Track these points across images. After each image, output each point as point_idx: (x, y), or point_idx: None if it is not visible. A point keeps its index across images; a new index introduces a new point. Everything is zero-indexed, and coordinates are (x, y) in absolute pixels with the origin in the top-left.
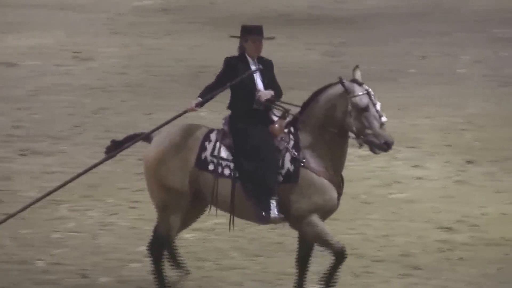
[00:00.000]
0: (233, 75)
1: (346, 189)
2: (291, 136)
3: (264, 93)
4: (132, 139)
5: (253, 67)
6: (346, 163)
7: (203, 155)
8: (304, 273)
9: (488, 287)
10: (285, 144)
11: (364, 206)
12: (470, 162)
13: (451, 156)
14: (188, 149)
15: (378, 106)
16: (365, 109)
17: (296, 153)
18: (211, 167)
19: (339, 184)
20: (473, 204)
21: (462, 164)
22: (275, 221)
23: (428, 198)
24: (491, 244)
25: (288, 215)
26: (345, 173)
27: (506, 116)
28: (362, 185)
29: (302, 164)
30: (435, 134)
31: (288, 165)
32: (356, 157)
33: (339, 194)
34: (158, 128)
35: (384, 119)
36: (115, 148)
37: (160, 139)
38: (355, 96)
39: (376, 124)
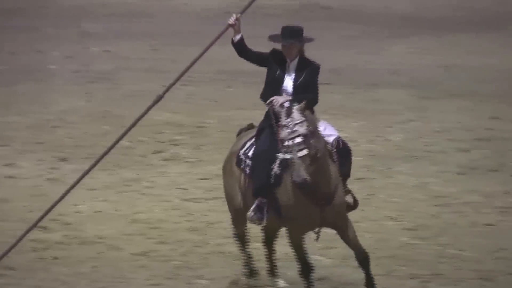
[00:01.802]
0: (263, 64)
1: None
2: None
3: (279, 98)
4: None
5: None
6: None
7: (240, 153)
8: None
9: (82, 286)
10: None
11: None
12: (62, 159)
13: (43, 153)
14: (237, 148)
15: None
16: None
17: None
18: (241, 164)
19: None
20: (66, 202)
21: (54, 162)
22: (252, 221)
23: (21, 197)
24: (85, 243)
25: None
26: None
27: (95, 112)
28: None
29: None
30: (26, 132)
31: (276, 168)
32: None
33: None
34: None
35: None
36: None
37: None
38: None
39: None
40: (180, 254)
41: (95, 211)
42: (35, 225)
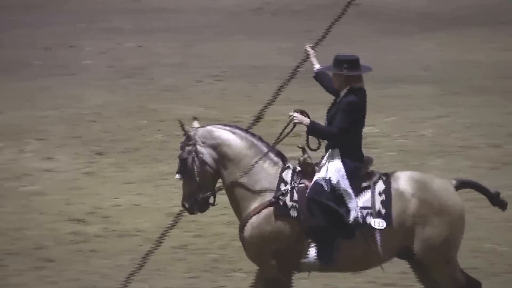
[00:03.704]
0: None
1: None
2: None
3: (299, 117)
4: None
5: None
6: None
7: None
8: None
9: (122, 279)
10: None
11: None
12: (99, 153)
13: (80, 147)
14: None
15: None
16: None
17: None
18: None
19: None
20: (104, 195)
21: (91, 156)
22: None
23: (59, 190)
24: (123, 236)
25: None
26: None
27: (130, 106)
28: None
29: None
30: (63, 126)
31: None
32: None
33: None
34: None
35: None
36: None
37: None
38: None
39: None
40: (217, 247)
41: (132, 205)
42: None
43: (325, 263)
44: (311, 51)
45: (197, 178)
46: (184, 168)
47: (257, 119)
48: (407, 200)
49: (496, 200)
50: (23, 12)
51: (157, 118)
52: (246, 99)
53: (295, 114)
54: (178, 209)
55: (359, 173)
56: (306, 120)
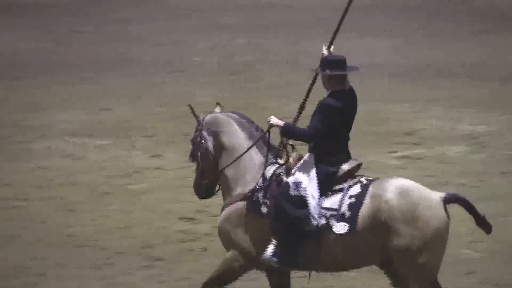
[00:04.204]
0: None
1: (85, 179)
2: None
3: (274, 120)
4: None
5: None
6: (84, 153)
7: None
8: None
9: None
10: None
11: (104, 197)
12: None
13: (189, 145)
14: None
15: None
16: None
17: None
18: None
19: None
20: None
21: None
22: None
23: (168, 188)
24: None
25: None
26: (83, 163)
27: (239, 103)
28: (100, 175)
29: None
30: (171, 123)
31: None
32: (94, 147)
33: None
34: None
35: None
36: None
37: None
38: None
39: None
40: None
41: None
42: None
43: (282, 262)
44: (325, 53)
45: (200, 164)
46: (192, 152)
47: (300, 110)
48: (378, 205)
49: (481, 222)
50: (134, 8)
51: (266, 115)
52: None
53: (272, 117)
54: None
55: (334, 177)
56: (281, 123)
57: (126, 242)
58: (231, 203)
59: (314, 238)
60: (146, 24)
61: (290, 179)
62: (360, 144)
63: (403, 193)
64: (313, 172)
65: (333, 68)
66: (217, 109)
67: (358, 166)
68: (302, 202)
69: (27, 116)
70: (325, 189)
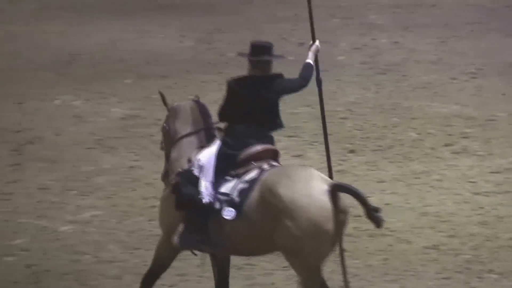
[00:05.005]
0: None
1: None
2: None
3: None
4: None
5: None
6: None
7: None
8: None
9: (372, 279)
10: None
11: None
12: (351, 151)
13: (332, 145)
14: None
15: None
16: None
17: None
18: None
19: None
20: None
21: (343, 154)
22: None
23: None
24: (374, 235)
25: None
26: None
27: (384, 103)
28: None
29: None
30: (314, 123)
31: None
32: None
33: None
34: None
35: None
36: None
37: None
38: None
39: None
40: (470, 248)
41: (384, 204)
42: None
43: (180, 243)
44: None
45: (164, 149)
46: (161, 140)
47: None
48: (263, 193)
49: (372, 214)
50: (284, 7)
51: (410, 116)
52: (501, 97)
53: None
54: (431, 209)
55: (234, 161)
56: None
57: None
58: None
59: (202, 218)
60: (291, 23)
61: (196, 158)
62: None
63: (287, 182)
64: (213, 152)
65: (254, 53)
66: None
67: (266, 151)
68: (195, 180)
69: None
70: (224, 172)
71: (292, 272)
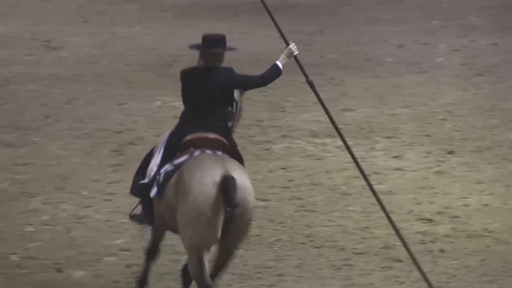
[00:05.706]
0: None
1: (325, 180)
2: None
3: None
4: None
5: None
6: (325, 154)
7: None
8: None
9: (469, 279)
10: None
11: (344, 198)
12: (450, 152)
13: (431, 146)
14: None
15: None
16: None
17: None
18: None
19: None
20: (454, 195)
21: (442, 155)
22: None
23: (408, 189)
24: (472, 236)
25: None
26: (324, 163)
27: (483, 105)
28: (341, 176)
29: None
30: (413, 124)
31: None
32: (334, 148)
33: None
34: None
35: None
36: None
37: None
38: None
39: None
40: None
41: (483, 205)
42: None
43: (132, 218)
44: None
45: None
46: None
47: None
48: (177, 177)
49: (229, 205)
50: (383, 9)
51: (509, 117)
52: None
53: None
54: None
55: (176, 146)
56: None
57: (365, 243)
58: None
59: (145, 195)
60: (392, 24)
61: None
62: None
63: (193, 168)
64: (165, 138)
65: (204, 45)
66: None
67: (205, 139)
68: (146, 161)
69: (269, 116)
70: (171, 155)
71: (391, 272)
